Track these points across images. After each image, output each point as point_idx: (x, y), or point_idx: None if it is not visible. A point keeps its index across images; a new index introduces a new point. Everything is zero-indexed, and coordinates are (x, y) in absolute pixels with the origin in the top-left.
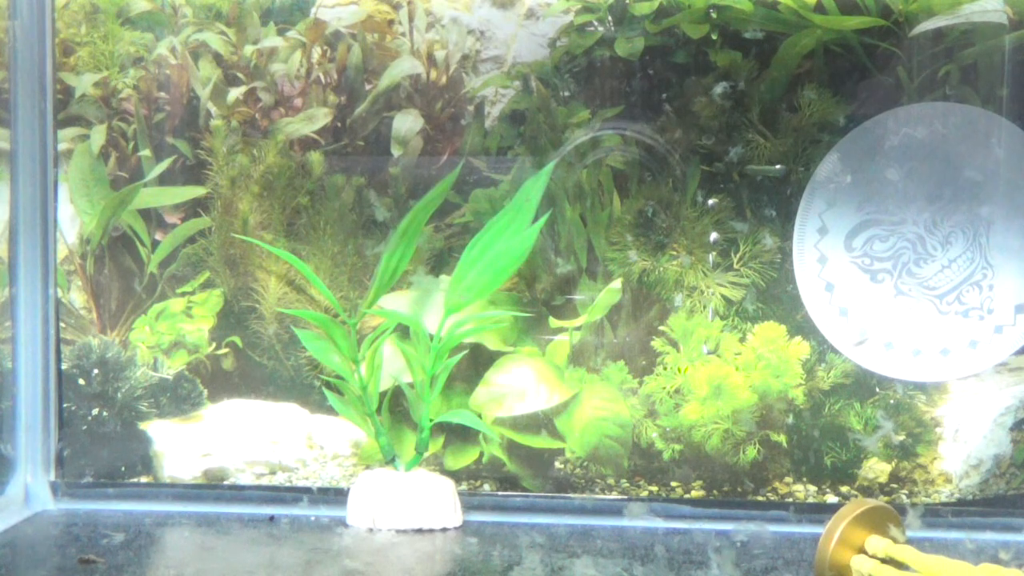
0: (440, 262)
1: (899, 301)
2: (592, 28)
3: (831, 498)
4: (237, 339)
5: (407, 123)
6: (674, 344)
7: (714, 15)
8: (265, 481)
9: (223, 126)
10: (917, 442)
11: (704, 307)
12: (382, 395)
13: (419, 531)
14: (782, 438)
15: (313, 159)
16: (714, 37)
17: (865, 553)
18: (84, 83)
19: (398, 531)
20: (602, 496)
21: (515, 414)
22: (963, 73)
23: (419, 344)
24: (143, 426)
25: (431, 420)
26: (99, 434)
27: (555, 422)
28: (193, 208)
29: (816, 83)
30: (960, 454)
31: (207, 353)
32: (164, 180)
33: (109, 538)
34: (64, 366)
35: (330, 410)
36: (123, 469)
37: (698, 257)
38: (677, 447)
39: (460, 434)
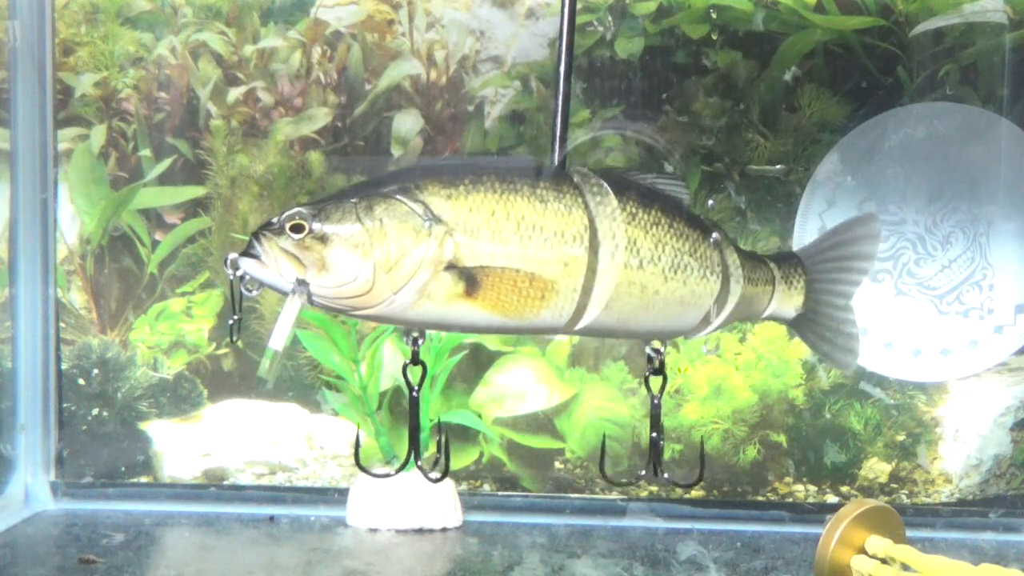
0: None
1: (899, 301)
2: (592, 28)
3: (831, 498)
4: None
5: (407, 123)
6: (674, 344)
7: (714, 15)
8: (265, 481)
9: (223, 126)
10: (917, 442)
11: None
12: (382, 395)
13: (419, 531)
14: (782, 438)
15: (313, 159)
16: (714, 37)
17: (865, 553)
18: (84, 83)
19: (398, 531)
20: (602, 496)
21: (515, 414)
22: (963, 73)
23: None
24: (143, 426)
25: (431, 420)
26: (99, 434)
27: (555, 422)
28: (193, 208)
29: (816, 83)
30: (960, 454)
31: (207, 353)
32: (164, 180)
33: (109, 538)
34: (64, 366)
35: (330, 410)
36: (123, 469)
37: None
38: (677, 447)
39: (460, 434)
